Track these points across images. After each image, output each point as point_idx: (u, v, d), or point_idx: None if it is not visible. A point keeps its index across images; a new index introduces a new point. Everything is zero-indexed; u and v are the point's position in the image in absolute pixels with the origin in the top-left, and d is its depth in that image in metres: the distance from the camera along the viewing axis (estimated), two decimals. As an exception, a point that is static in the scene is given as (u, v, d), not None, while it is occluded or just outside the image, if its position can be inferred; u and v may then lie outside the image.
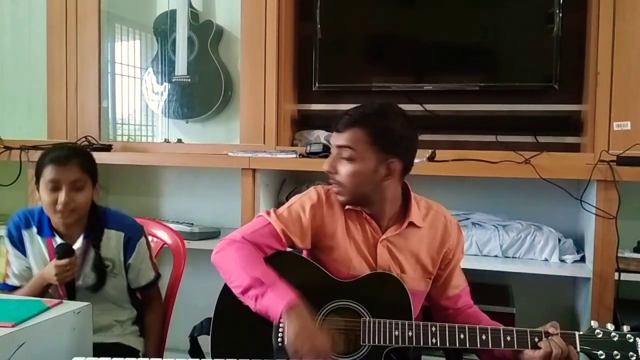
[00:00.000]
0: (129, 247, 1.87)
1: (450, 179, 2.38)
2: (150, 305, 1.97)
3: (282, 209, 1.62)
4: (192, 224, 2.60)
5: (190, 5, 2.87)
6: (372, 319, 1.45)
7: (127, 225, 1.90)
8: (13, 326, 1.35)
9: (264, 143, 2.66)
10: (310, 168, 2.40)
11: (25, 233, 1.84)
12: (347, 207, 1.61)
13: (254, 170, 2.43)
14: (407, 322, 1.45)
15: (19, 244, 1.84)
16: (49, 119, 2.93)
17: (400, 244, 1.61)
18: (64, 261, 1.73)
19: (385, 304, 1.48)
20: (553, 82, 2.46)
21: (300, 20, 2.78)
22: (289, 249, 1.62)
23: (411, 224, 1.61)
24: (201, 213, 2.89)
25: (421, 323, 1.45)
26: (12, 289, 1.83)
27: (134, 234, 1.89)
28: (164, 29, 2.92)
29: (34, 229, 1.84)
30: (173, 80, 2.85)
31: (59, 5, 2.88)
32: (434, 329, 1.44)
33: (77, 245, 1.81)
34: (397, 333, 1.44)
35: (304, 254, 1.69)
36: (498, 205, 2.59)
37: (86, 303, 1.57)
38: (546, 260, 2.32)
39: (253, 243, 1.55)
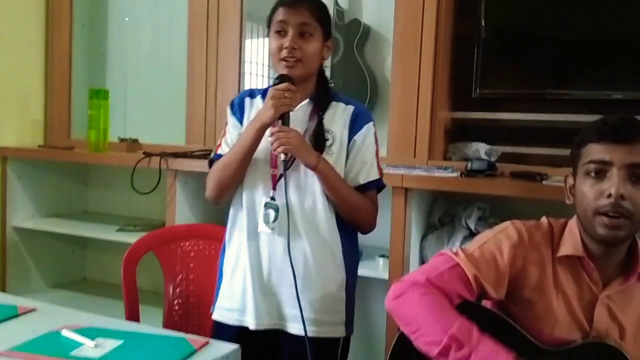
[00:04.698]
0: (357, 122, 1.68)
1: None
2: None
3: (472, 248, 1.32)
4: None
5: (336, 3, 2.64)
6: None
7: (359, 104, 1.74)
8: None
9: (415, 157, 2.37)
10: (473, 190, 2.07)
11: (247, 100, 1.74)
12: (562, 252, 1.29)
13: (406, 190, 2.14)
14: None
15: (238, 112, 1.74)
16: (187, 124, 2.83)
17: (623, 302, 1.28)
18: (282, 85, 1.56)
19: None
20: None
21: (460, 18, 2.46)
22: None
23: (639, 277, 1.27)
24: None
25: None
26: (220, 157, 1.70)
27: (365, 113, 1.73)
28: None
29: (258, 97, 1.72)
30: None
31: (201, 6, 2.78)
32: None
33: (302, 105, 1.65)
34: None
35: (489, 305, 1.39)
36: None
37: (235, 346, 1.38)
38: None
39: (439, 288, 1.27)
